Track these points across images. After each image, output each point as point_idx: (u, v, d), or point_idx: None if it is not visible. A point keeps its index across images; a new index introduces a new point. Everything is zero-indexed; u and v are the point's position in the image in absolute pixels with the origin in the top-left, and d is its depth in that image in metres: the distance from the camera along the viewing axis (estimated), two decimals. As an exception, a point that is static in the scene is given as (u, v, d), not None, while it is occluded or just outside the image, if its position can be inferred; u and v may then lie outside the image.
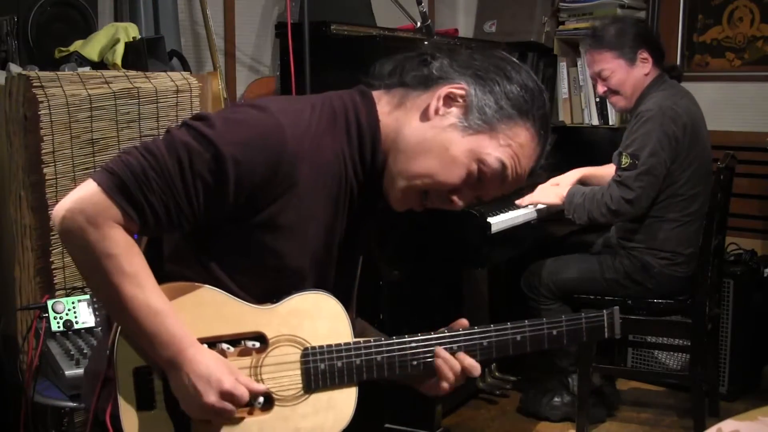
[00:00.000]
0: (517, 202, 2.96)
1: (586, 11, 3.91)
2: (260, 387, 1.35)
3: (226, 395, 1.29)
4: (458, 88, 1.39)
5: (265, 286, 1.38)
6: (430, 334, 1.46)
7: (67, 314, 2.15)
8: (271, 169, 1.30)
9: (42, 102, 2.20)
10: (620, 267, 2.93)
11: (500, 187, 1.43)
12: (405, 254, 2.76)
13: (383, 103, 1.43)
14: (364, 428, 1.63)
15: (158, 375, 1.33)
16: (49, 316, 2.14)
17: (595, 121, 3.90)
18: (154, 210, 1.28)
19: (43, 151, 2.23)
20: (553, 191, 2.98)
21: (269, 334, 1.37)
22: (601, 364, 3.13)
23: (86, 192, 1.27)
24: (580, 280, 2.98)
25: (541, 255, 3.10)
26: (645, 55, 2.94)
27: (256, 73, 3.51)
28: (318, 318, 1.40)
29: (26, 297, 2.28)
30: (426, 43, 1.45)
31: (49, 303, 2.16)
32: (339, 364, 1.39)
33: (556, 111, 4.03)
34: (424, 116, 1.39)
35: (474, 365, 1.45)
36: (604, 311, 1.56)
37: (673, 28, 3.94)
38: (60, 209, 1.28)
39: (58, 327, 2.14)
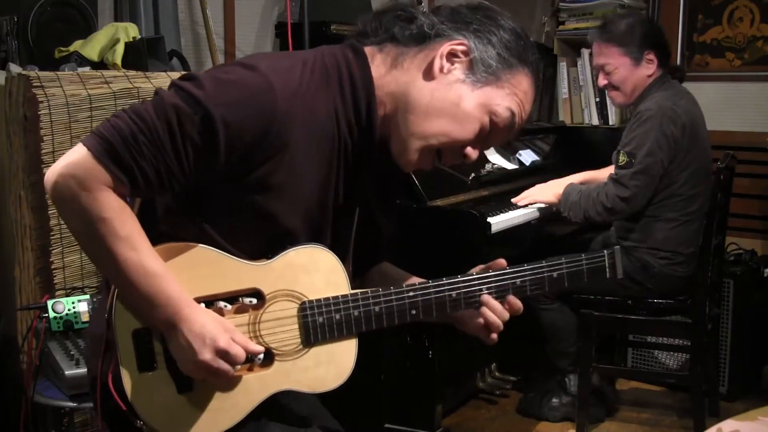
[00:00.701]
0: (514, 200, 2.96)
1: (586, 11, 3.92)
2: (257, 347, 1.35)
3: (222, 353, 1.30)
4: (459, 44, 1.39)
5: (258, 245, 1.38)
6: (428, 282, 1.45)
7: (67, 314, 2.15)
8: (262, 130, 1.29)
9: (42, 102, 2.20)
10: (620, 267, 2.93)
11: (508, 134, 1.45)
12: (405, 255, 2.76)
13: (377, 61, 1.42)
14: (364, 428, 1.63)
15: (157, 337, 1.34)
16: (49, 316, 2.14)
17: (595, 121, 3.90)
18: (144, 173, 1.28)
19: (43, 151, 2.23)
20: (551, 190, 2.99)
21: (266, 290, 1.37)
22: (601, 364, 3.13)
23: (76, 157, 1.27)
24: (580, 280, 2.98)
25: (541, 255, 3.09)
26: (651, 56, 2.93)
27: (256, 73, 3.50)
28: (314, 271, 1.39)
29: (26, 297, 2.28)
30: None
31: (49, 303, 2.16)
32: (337, 316, 1.39)
33: (556, 111, 4.03)
34: (428, 75, 1.39)
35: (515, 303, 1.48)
36: (605, 251, 1.53)
37: (673, 28, 3.94)
38: (51, 175, 1.28)
39: (58, 327, 2.14)
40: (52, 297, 2.19)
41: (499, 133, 1.43)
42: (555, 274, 1.50)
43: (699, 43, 3.94)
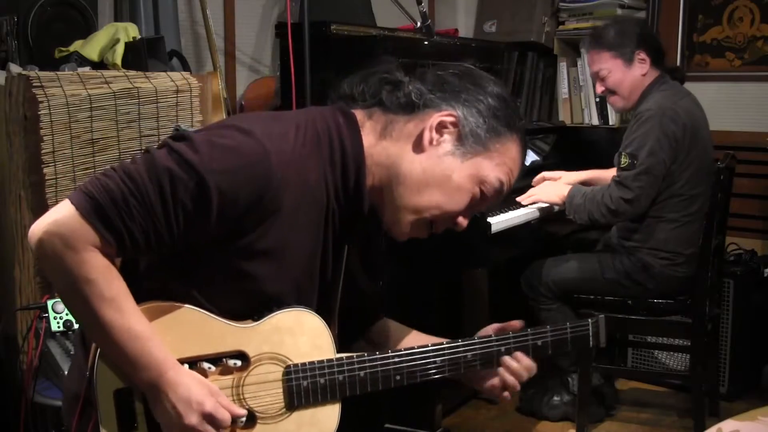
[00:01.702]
0: (518, 199, 2.97)
1: (586, 11, 3.91)
2: (241, 411, 1.34)
3: (208, 417, 1.29)
4: (448, 115, 1.39)
5: (242, 307, 1.36)
6: (413, 348, 1.46)
7: (67, 314, 2.15)
8: (255, 197, 1.28)
9: (42, 102, 2.20)
10: (620, 267, 2.93)
11: (497, 201, 1.46)
12: (405, 255, 2.76)
13: (367, 128, 1.41)
14: (364, 428, 1.63)
15: (139, 397, 1.32)
16: (49, 316, 2.14)
17: (595, 121, 3.90)
18: (132, 235, 1.25)
19: (43, 151, 2.23)
20: (554, 191, 2.99)
21: (251, 353, 1.36)
22: (601, 364, 3.13)
23: (63, 215, 1.24)
24: (580, 280, 2.98)
25: (541, 255, 3.10)
26: (643, 55, 2.95)
27: (256, 73, 3.51)
28: (300, 334, 1.38)
29: (26, 297, 2.28)
30: (385, 62, 1.47)
31: (49, 303, 2.16)
32: (322, 380, 1.39)
33: (556, 111, 4.03)
34: (418, 147, 1.39)
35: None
36: (589, 320, 1.56)
37: (673, 28, 3.93)
38: (36, 231, 1.25)
39: (58, 327, 2.14)
40: (52, 297, 2.19)
41: (488, 201, 1.44)
42: (539, 342, 1.52)
43: (699, 43, 3.94)
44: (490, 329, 1.55)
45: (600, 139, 3.80)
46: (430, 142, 1.39)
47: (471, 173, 1.40)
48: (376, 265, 1.60)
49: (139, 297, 1.31)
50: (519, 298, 3.12)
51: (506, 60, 3.60)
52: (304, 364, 1.38)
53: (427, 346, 1.46)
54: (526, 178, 3.22)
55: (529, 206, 2.96)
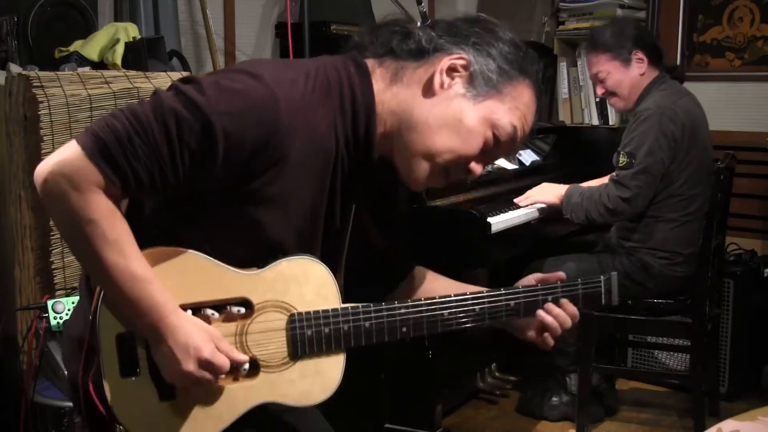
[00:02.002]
0: (516, 200, 2.97)
1: (586, 11, 3.91)
2: (241, 357, 1.33)
3: (205, 364, 1.28)
4: (458, 58, 1.38)
5: (246, 254, 1.36)
6: (421, 300, 1.45)
7: (67, 314, 2.15)
8: (262, 142, 1.27)
9: (42, 102, 2.20)
10: (620, 267, 2.93)
11: (511, 148, 1.44)
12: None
13: (377, 76, 1.40)
14: (364, 428, 1.63)
15: (141, 342, 1.32)
16: (49, 316, 2.14)
17: (595, 121, 3.90)
18: (137, 175, 1.25)
19: (43, 151, 2.23)
20: (552, 191, 2.99)
21: (255, 300, 1.35)
22: (601, 364, 3.13)
23: (69, 155, 1.24)
24: (580, 280, 2.98)
25: (541, 255, 3.10)
26: (640, 55, 2.96)
27: (256, 73, 3.50)
28: (305, 283, 1.37)
29: (26, 297, 2.28)
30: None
31: (49, 303, 2.16)
32: (326, 330, 1.37)
33: (556, 111, 4.03)
34: (429, 91, 1.38)
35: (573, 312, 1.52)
36: (602, 277, 1.54)
37: (673, 28, 3.93)
38: (42, 171, 1.25)
39: (58, 327, 2.14)
40: (52, 297, 2.20)
41: (502, 147, 1.42)
42: (549, 298, 1.51)
43: (699, 43, 3.93)
44: (532, 278, 1.56)
45: (600, 139, 3.80)
46: (441, 86, 1.37)
47: (483, 116, 1.38)
48: (391, 223, 1.59)
49: (144, 242, 1.30)
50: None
51: (506, 60, 3.59)
52: (308, 313, 1.37)
53: (434, 298, 1.45)
54: (525, 178, 3.22)
55: (529, 206, 2.96)
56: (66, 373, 1.50)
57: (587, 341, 2.94)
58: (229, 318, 1.35)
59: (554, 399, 3.14)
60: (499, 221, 2.71)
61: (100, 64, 2.55)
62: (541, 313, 1.50)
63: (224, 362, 1.30)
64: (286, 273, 1.36)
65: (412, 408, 2.84)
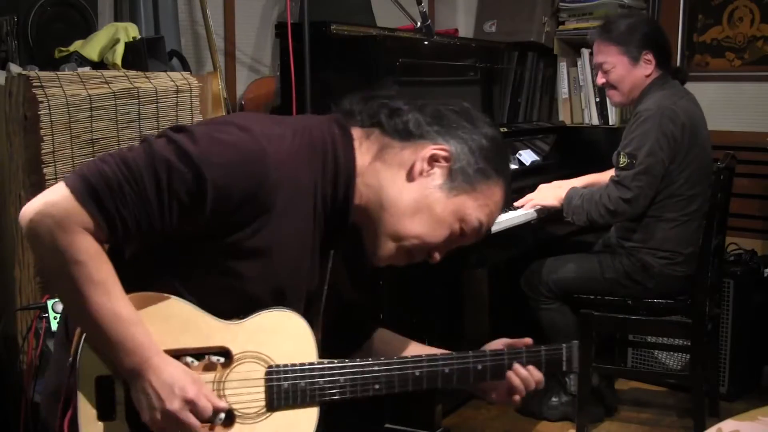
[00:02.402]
0: (516, 204, 2.97)
1: (586, 11, 3.91)
2: (222, 404, 1.34)
3: (190, 404, 1.29)
4: (441, 149, 1.41)
5: (224, 305, 1.36)
6: (393, 359, 1.47)
7: (67, 314, 2.15)
8: (250, 194, 1.29)
9: (42, 102, 2.20)
10: (620, 267, 2.93)
11: (475, 239, 1.48)
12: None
13: (363, 147, 1.43)
14: (364, 428, 1.63)
15: (120, 385, 1.32)
16: (48, 316, 2.14)
17: (595, 121, 3.90)
18: (124, 222, 1.26)
19: (43, 151, 2.23)
20: (552, 193, 2.98)
21: (234, 350, 1.36)
22: (601, 364, 3.13)
23: (57, 196, 1.25)
24: (580, 280, 2.98)
25: (541, 255, 3.10)
26: (650, 56, 2.94)
27: (256, 73, 3.51)
28: (284, 336, 1.39)
29: (26, 297, 2.28)
30: (388, 89, 1.52)
31: (49, 303, 2.15)
32: (302, 383, 1.39)
33: (556, 111, 4.03)
34: (409, 176, 1.41)
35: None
36: (564, 345, 1.59)
37: (673, 28, 3.93)
38: (28, 211, 1.26)
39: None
40: (52, 297, 2.19)
41: (465, 238, 1.46)
42: (515, 363, 1.55)
43: (699, 43, 3.93)
44: (499, 343, 1.59)
45: (600, 139, 3.80)
46: (421, 173, 1.41)
47: (454, 209, 1.42)
48: (363, 279, 1.62)
49: (124, 285, 1.30)
50: (519, 298, 3.12)
51: (506, 60, 3.60)
52: (285, 365, 1.39)
53: (406, 357, 1.48)
54: (525, 178, 3.22)
55: (531, 208, 2.96)
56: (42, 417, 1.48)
57: (587, 341, 2.94)
58: (209, 367, 1.36)
59: (554, 399, 3.14)
60: (499, 221, 2.71)
61: (100, 64, 2.54)
62: (510, 374, 1.54)
63: (207, 405, 1.30)
64: (266, 325, 1.38)
65: (412, 408, 2.84)
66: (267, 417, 1.38)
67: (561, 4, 3.97)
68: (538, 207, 2.97)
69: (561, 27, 3.99)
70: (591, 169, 3.23)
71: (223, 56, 3.32)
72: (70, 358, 1.34)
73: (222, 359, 1.36)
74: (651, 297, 2.92)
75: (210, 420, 1.33)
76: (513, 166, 3.31)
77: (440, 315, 2.83)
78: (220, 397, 1.36)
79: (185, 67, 2.93)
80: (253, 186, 1.28)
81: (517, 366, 1.54)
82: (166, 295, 1.33)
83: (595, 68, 3.08)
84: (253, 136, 1.30)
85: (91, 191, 1.24)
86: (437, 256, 1.46)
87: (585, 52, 3.83)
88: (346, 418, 1.62)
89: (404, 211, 1.41)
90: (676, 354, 3.42)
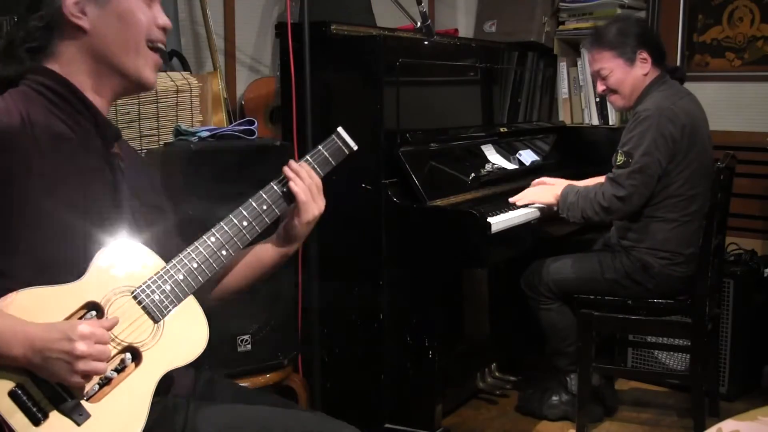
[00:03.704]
0: (512, 200, 2.96)
1: (586, 11, 3.92)
2: (109, 321, 1.37)
3: (89, 336, 1.29)
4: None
5: (58, 265, 1.39)
6: (221, 225, 1.57)
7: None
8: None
9: (42, 102, 2.19)
10: (620, 267, 2.93)
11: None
12: (405, 254, 2.76)
13: (63, 61, 1.54)
14: (364, 428, 1.63)
15: (32, 385, 1.32)
16: None
17: (595, 121, 3.90)
18: None
19: (43, 151, 2.22)
20: (549, 191, 2.99)
21: (98, 299, 1.40)
22: (601, 364, 3.13)
23: None
24: (580, 280, 2.98)
25: (541, 255, 3.10)
26: (644, 55, 2.96)
27: (256, 73, 3.51)
28: (125, 263, 1.45)
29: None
30: None
31: None
32: (167, 287, 1.47)
33: (556, 111, 4.03)
34: (80, 30, 1.54)
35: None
36: (332, 135, 1.68)
37: (673, 28, 3.94)
38: None
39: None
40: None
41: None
42: (314, 166, 1.66)
43: (699, 43, 3.94)
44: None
45: (600, 139, 3.80)
46: (81, 20, 1.51)
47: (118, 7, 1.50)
48: (151, 191, 1.67)
49: None
50: (519, 298, 3.12)
51: (506, 60, 3.60)
52: (145, 282, 1.46)
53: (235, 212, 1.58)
54: (525, 178, 3.22)
55: (529, 206, 2.96)
56: None
57: (587, 341, 2.94)
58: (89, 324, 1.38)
59: (554, 399, 3.14)
60: (499, 221, 2.71)
61: (100, 64, 2.54)
62: (291, 185, 1.61)
63: (103, 331, 1.33)
64: (103, 265, 1.43)
65: (412, 408, 2.84)
66: (162, 331, 1.45)
67: (561, 4, 3.98)
68: (534, 204, 2.96)
69: (561, 27, 4.00)
70: (591, 169, 3.23)
71: (223, 56, 3.33)
72: None
73: (94, 312, 1.40)
74: (651, 297, 2.92)
75: (120, 370, 1.38)
76: (513, 166, 3.31)
77: (440, 315, 2.83)
78: (116, 344, 1.39)
79: (185, 67, 2.94)
80: None
81: (290, 165, 1.62)
82: (9, 296, 1.33)
83: (593, 77, 3.11)
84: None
85: None
86: (161, 18, 1.54)
87: (585, 51, 3.84)
88: (346, 417, 1.62)
89: (100, 46, 1.51)
90: (676, 354, 3.42)
